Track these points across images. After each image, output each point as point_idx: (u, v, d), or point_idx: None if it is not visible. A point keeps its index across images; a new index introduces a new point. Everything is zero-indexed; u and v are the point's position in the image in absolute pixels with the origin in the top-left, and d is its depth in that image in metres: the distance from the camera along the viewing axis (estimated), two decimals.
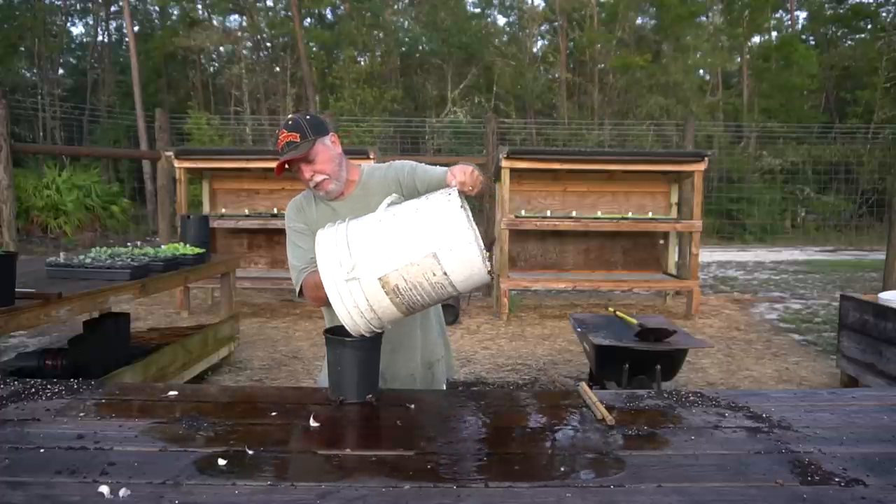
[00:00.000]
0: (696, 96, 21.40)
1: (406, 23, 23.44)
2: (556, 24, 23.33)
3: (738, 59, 23.20)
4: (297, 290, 1.88)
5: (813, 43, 25.04)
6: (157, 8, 24.78)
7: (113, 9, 24.55)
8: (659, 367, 3.56)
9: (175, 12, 24.21)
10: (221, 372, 4.87)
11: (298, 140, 1.80)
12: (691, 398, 1.67)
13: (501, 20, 26.53)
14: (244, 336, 5.69)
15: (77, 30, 26.86)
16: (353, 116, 17.28)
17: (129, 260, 3.65)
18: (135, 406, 1.62)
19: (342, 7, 23.56)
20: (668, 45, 22.24)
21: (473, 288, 1.57)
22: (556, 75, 23.11)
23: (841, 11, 24.90)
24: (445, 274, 1.46)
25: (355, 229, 1.55)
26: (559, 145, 17.07)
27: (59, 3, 23.82)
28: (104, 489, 1.09)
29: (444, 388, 2.10)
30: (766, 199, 17.88)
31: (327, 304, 1.90)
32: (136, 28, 21.48)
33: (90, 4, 24.73)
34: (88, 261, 3.55)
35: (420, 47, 22.90)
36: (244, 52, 23.10)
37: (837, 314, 4.68)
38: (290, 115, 1.90)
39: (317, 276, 1.81)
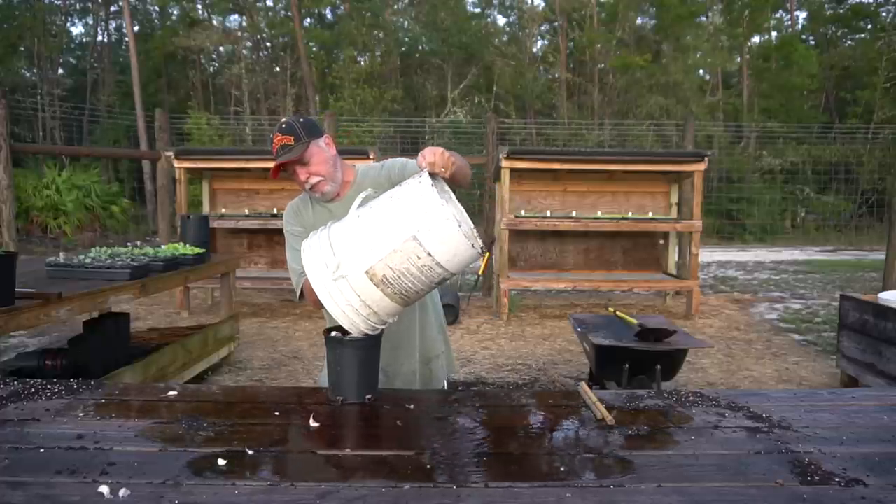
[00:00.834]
0: (696, 96, 21.40)
1: (406, 23, 23.45)
2: (556, 24, 23.33)
3: (738, 59, 23.20)
4: (298, 293, 1.89)
5: (813, 43, 25.04)
6: (157, 8, 24.79)
7: (113, 9, 24.55)
8: (659, 367, 3.56)
9: (175, 12, 24.22)
10: (221, 372, 4.87)
11: (293, 143, 1.81)
12: (691, 398, 1.67)
13: (501, 20, 26.56)
14: (244, 336, 5.69)
15: (77, 30, 26.90)
16: (353, 116, 17.29)
17: (128, 260, 3.64)
18: (135, 406, 1.62)
19: (342, 7, 23.57)
20: (668, 45, 22.25)
21: (465, 265, 1.54)
22: (556, 75, 23.11)
23: (841, 11, 24.91)
24: (430, 255, 1.45)
25: (336, 229, 1.55)
26: (559, 145, 17.08)
27: (59, 3, 23.82)
28: (104, 489, 1.09)
29: (445, 385, 2.11)
30: (766, 199, 17.88)
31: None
32: (135, 28, 21.48)
33: (90, 4, 24.73)
34: (88, 261, 3.55)
35: (420, 47, 22.90)
36: (244, 52, 23.10)
37: (837, 314, 4.68)
38: (283, 119, 1.91)
39: (312, 291, 1.81)
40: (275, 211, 7.48)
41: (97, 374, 3.20)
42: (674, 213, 7.74)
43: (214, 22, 23.68)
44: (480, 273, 7.96)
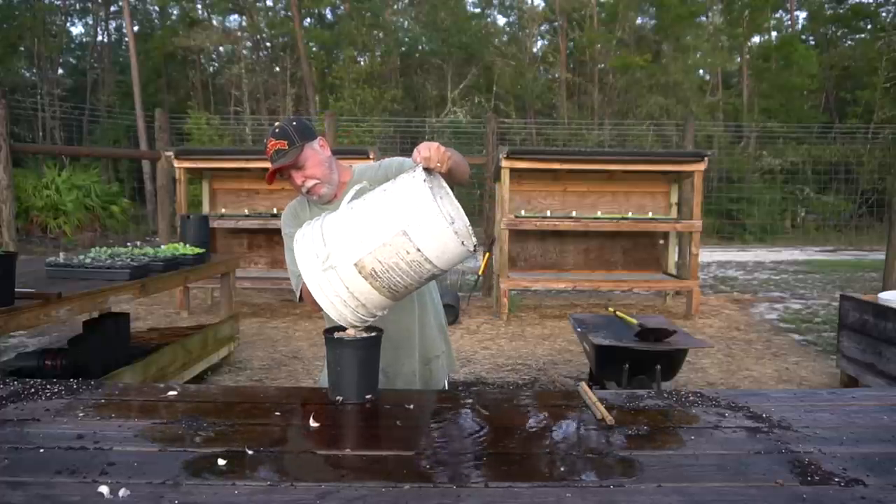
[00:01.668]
0: (696, 96, 21.40)
1: (406, 23, 23.44)
2: (556, 24, 23.34)
3: (738, 59, 23.21)
4: (298, 295, 1.89)
5: (813, 43, 25.05)
6: (156, 8, 24.80)
7: (113, 9, 24.55)
8: (659, 367, 3.56)
9: (175, 12, 24.22)
10: (221, 372, 4.87)
11: (287, 147, 1.81)
12: (691, 398, 1.67)
13: (501, 20, 26.57)
14: (244, 336, 5.69)
15: (77, 30, 26.90)
16: (353, 116, 17.29)
17: (128, 260, 3.64)
18: (134, 406, 1.62)
19: (342, 7, 23.57)
20: (668, 45, 22.25)
21: (456, 263, 1.53)
22: (556, 75, 23.12)
23: (841, 11, 24.91)
24: (419, 251, 1.44)
25: (329, 221, 1.55)
26: (559, 145, 17.08)
27: (59, 3, 23.82)
28: (104, 489, 1.09)
29: (445, 385, 2.11)
30: (766, 199, 17.88)
31: None
32: (135, 28, 21.48)
33: (90, 4, 24.73)
34: (88, 261, 3.55)
35: (420, 47, 22.90)
36: (244, 52, 23.11)
37: (837, 314, 4.68)
38: (276, 123, 1.92)
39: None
40: (275, 211, 7.48)
41: (97, 374, 3.21)
42: (674, 213, 7.74)
43: (214, 22, 23.68)
44: (480, 273, 7.96)
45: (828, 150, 18.18)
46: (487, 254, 7.92)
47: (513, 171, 6.90)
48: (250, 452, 1.28)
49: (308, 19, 24.17)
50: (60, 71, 24.07)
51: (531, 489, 1.13)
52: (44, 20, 22.23)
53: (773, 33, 24.81)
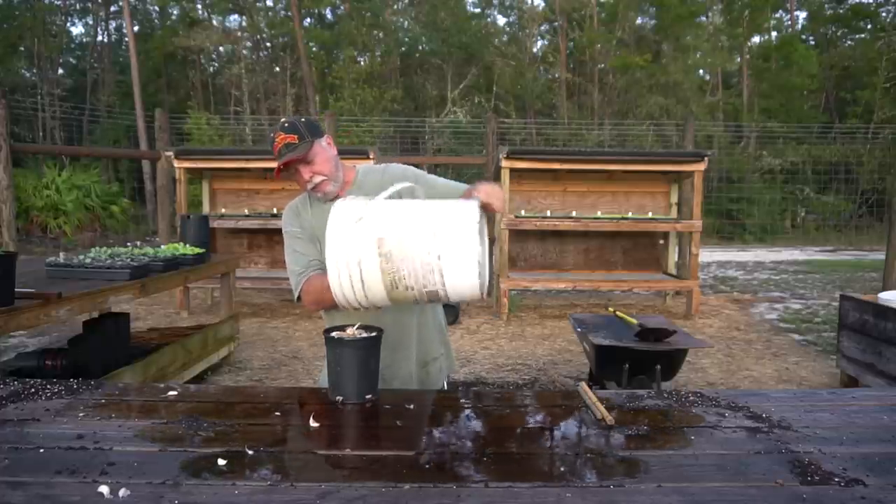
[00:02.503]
0: (696, 96, 21.40)
1: (406, 23, 23.44)
2: (556, 24, 23.34)
3: (738, 59, 23.21)
4: (297, 294, 1.88)
5: (813, 43, 25.05)
6: (156, 8, 24.80)
7: (113, 9, 24.55)
8: (659, 367, 3.56)
9: (175, 12, 24.22)
10: (221, 372, 4.87)
11: (297, 141, 1.79)
12: (691, 398, 1.67)
13: (501, 20, 26.58)
14: (244, 336, 5.69)
15: (77, 30, 26.91)
16: (353, 116, 17.28)
17: (128, 260, 3.64)
18: (135, 406, 1.62)
19: (342, 7, 23.57)
20: (668, 45, 22.25)
21: (461, 298, 1.56)
22: (556, 75, 23.12)
23: (841, 11, 24.91)
24: (442, 277, 1.47)
25: (381, 201, 1.57)
26: (559, 145, 17.08)
27: (59, 3, 23.82)
28: (104, 489, 1.09)
29: (444, 386, 2.10)
30: (766, 199, 17.89)
31: (326, 308, 1.89)
32: (135, 28, 21.48)
33: (90, 4, 24.73)
34: (88, 261, 3.55)
35: (420, 47, 22.90)
36: (244, 52, 23.11)
37: (837, 314, 4.68)
38: (282, 119, 1.90)
39: (315, 281, 1.81)
40: (275, 211, 7.48)
41: (97, 374, 3.21)
42: (674, 213, 7.74)
43: (214, 22, 23.68)
44: None
45: (828, 150, 18.18)
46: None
47: (513, 171, 6.90)
48: (250, 452, 1.28)
49: (308, 19, 24.17)
50: (60, 71, 24.07)
51: (531, 489, 1.13)
52: (44, 20, 22.23)
53: (773, 33, 24.81)
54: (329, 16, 25.02)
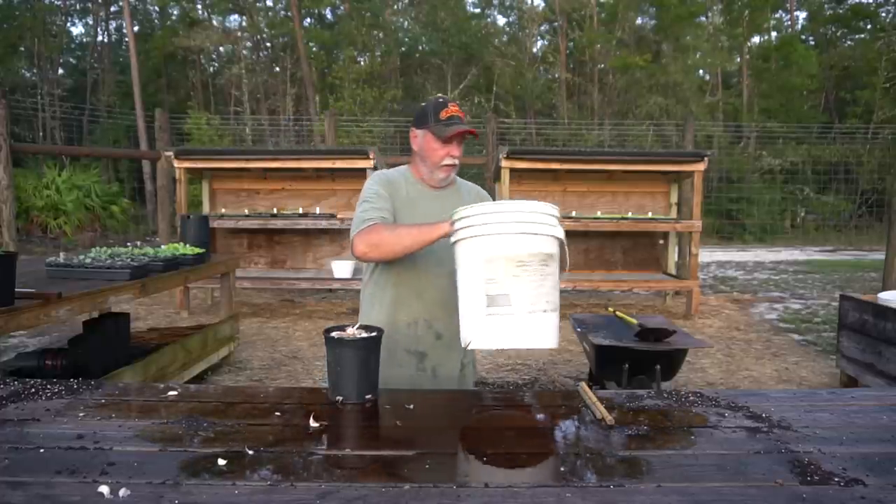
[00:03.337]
0: (696, 96, 21.41)
1: (406, 23, 23.45)
2: (556, 24, 23.34)
3: (738, 59, 23.21)
4: (354, 235, 1.90)
5: (813, 43, 25.05)
6: (156, 8, 24.80)
7: (113, 9, 24.56)
8: (659, 367, 3.56)
9: (175, 12, 24.23)
10: (221, 372, 4.87)
11: (464, 121, 1.94)
12: (691, 398, 1.67)
13: (501, 20, 26.58)
14: (244, 336, 5.69)
15: (77, 30, 26.90)
16: (353, 116, 17.29)
17: (128, 260, 3.64)
18: (135, 406, 1.62)
19: (342, 7, 23.57)
20: (667, 45, 22.25)
21: (527, 345, 1.67)
22: (556, 75, 23.12)
23: (841, 11, 24.92)
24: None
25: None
26: (559, 145, 17.07)
27: (59, 3, 23.83)
28: (104, 489, 1.09)
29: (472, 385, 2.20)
30: (765, 199, 17.89)
31: (376, 256, 1.88)
32: (135, 28, 21.48)
33: (90, 4, 24.74)
34: (88, 261, 3.55)
35: (420, 47, 22.91)
36: (244, 52, 23.11)
37: (837, 314, 4.69)
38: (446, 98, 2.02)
39: (381, 228, 1.83)
40: (274, 211, 7.48)
41: (97, 374, 3.21)
42: (673, 213, 7.74)
43: (214, 22, 23.69)
44: None
45: (828, 150, 18.19)
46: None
47: (513, 171, 6.90)
48: (250, 452, 1.28)
49: (308, 19, 24.17)
50: (60, 71, 24.08)
51: (531, 489, 1.13)
52: (44, 20, 22.24)
53: (773, 33, 24.82)
54: (329, 16, 25.03)
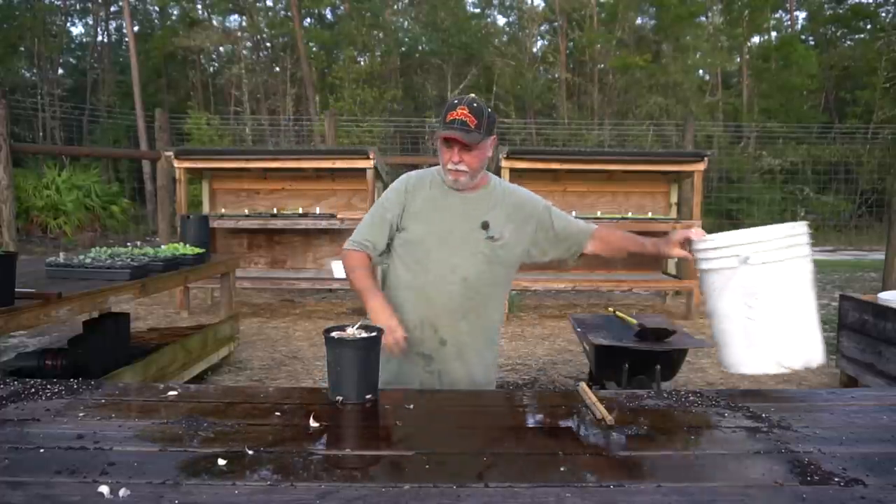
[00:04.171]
0: (696, 96, 21.41)
1: (406, 23, 23.45)
2: (556, 24, 23.34)
3: (738, 59, 23.21)
4: (346, 247, 2.01)
5: (812, 43, 25.05)
6: (156, 8, 24.81)
7: (113, 9, 24.56)
8: (659, 367, 3.55)
9: (175, 12, 24.23)
10: (221, 372, 4.87)
11: (472, 127, 1.84)
12: (691, 398, 1.68)
13: (501, 20, 26.58)
14: (244, 336, 5.69)
15: (77, 30, 26.90)
16: (353, 116, 17.29)
17: (128, 260, 3.64)
18: (134, 406, 1.62)
19: (342, 7, 23.57)
20: (667, 45, 22.26)
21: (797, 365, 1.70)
22: (556, 75, 23.12)
23: (840, 11, 24.92)
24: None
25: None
26: (559, 145, 17.07)
27: (59, 3, 23.83)
28: (104, 489, 1.09)
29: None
30: (765, 199, 17.89)
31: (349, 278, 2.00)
32: (135, 28, 21.48)
33: (90, 4, 24.74)
34: (88, 261, 3.55)
35: (420, 47, 22.91)
36: (244, 52, 23.11)
37: (837, 314, 4.68)
38: (472, 96, 1.93)
39: (354, 256, 1.96)
40: (274, 211, 7.48)
41: (97, 374, 3.20)
42: (673, 213, 7.74)
43: (214, 22, 23.69)
44: None
45: (827, 150, 18.18)
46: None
47: (512, 171, 6.90)
48: (250, 452, 1.28)
49: (308, 19, 24.17)
50: (60, 71, 24.08)
51: (531, 489, 1.13)
52: (44, 20, 22.24)
53: (773, 33, 24.82)
54: (329, 16, 25.03)
